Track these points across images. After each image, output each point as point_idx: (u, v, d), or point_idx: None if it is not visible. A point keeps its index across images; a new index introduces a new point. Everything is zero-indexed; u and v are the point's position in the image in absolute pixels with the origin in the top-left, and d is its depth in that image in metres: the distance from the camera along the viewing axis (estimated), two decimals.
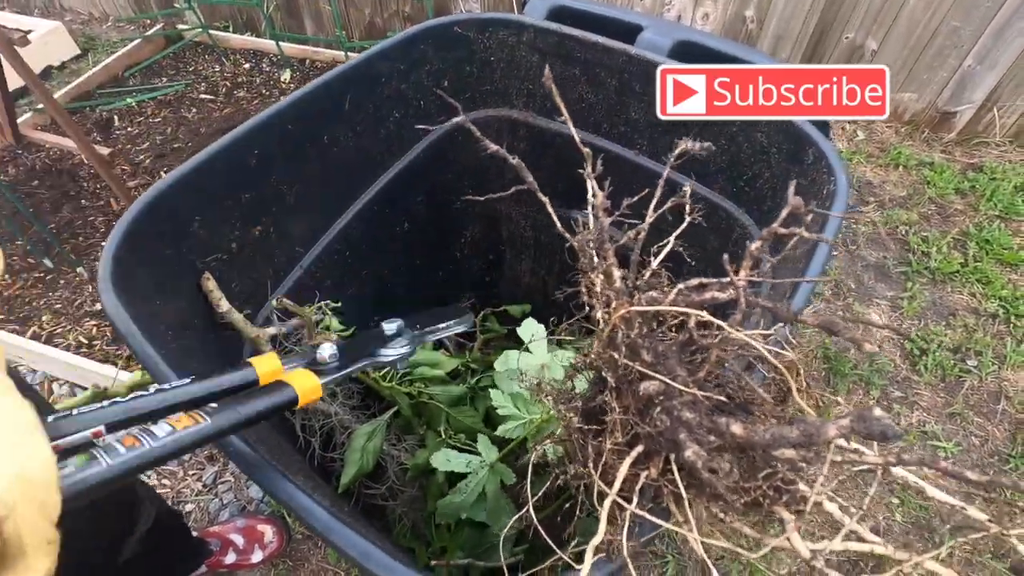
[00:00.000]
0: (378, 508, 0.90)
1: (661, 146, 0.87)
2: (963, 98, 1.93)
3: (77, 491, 0.35)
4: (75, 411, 0.43)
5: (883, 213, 1.81)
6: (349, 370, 0.59)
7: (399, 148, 0.93)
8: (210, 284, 0.70)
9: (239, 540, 1.16)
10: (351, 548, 0.40)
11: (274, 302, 0.80)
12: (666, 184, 0.74)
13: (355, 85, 0.81)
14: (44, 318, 1.53)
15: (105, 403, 0.45)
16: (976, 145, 2.00)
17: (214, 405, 0.46)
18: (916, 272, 1.65)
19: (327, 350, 0.59)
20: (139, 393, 0.46)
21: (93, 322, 1.52)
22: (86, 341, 1.48)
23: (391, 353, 0.64)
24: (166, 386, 0.48)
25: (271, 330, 0.75)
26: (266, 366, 0.54)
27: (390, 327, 0.66)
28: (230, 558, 1.14)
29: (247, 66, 2.40)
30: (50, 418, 0.42)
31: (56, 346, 1.44)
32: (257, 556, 1.16)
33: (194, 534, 1.12)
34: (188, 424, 0.43)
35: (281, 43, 2.33)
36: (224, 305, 0.70)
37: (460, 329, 0.70)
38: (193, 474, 1.33)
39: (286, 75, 2.34)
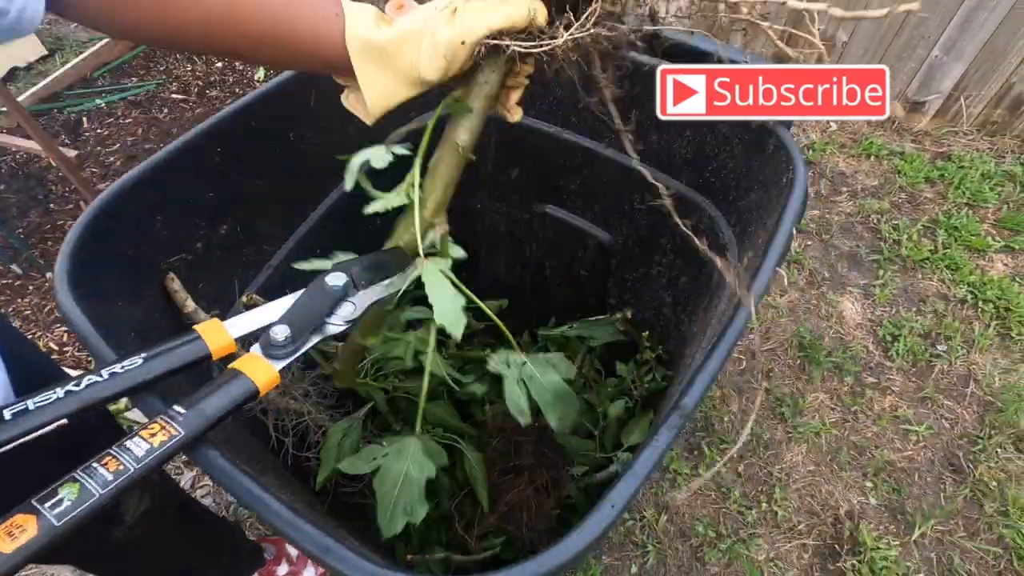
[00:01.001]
0: (357, 507, 0.90)
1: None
2: (931, 88, 1.97)
3: (79, 521, 0.37)
4: (31, 404, 0.43)
5: (855, 202, 1.84)
6: (303, 350, 0.57)
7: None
8: (174, 284, 0.69)
9: (293, 552, 1.14)
10: (309, 543, 0.40)
11: (244, 299, 0.79)
12: (633, 174, 0.75)
13: (321, 80, 0.80)
14: (13, 324, 1.49)
15: (59, 392, 0.44)
16: (945, 134, 2.04)
17: (180, 410, 0.46)
18: (887, 260, 1.68)
19: (280, 332, 0.56)
20: (92, 379, 0.46)
21: (63, 328, 1.49)
22: (56, 347, 1.45)
23: (340, 324, 0.60)
24: (117, 368, 0.47)
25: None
26: (216, 338, 0.52)
27: (335, 282, 0.61)
28: (282, 570, 1.12)
29: (219, 65, 2.36)
30: (7, 413, 0.42)
31: None
32: (309, 573, 1.14)
33: (251, 538, 1.11)
34: (164, 438, 0.44)
35: None
36: (190, 306, 0.69)
37: (407, 284, 0.64)
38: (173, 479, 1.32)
39: (260, 74, 2.31)
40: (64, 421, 0.43)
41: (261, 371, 0.52)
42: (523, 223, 1.11)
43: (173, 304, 0.70)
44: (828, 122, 2.12)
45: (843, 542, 1.22)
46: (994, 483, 1.27)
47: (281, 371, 0.55)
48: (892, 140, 2.05)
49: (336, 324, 0.60)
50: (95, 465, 0.40)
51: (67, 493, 0.38)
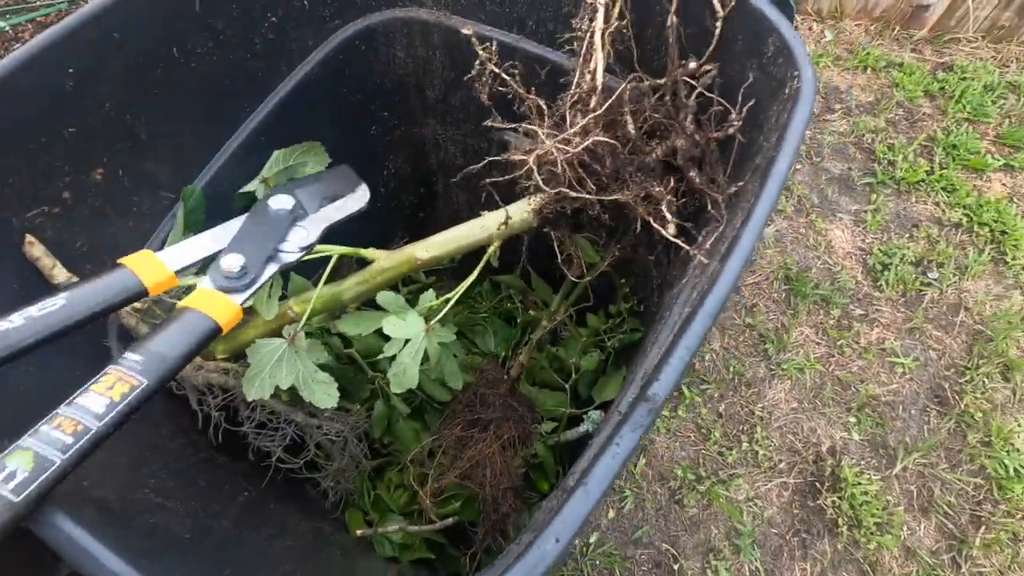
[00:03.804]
0: (300, 481, 0.81)
1: None
2: None
3: (40, 493, 0.33)
4: None
5: (849, 121, 1.70)
6: (261, 282, 0.51)
7: (286, 63, 0.76)
8: (35, 250, 0.55)
9: None
10: None
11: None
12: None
13: None
14: None
15: None
16: (947, 42, 1.87)
17: (135, 357, 0.40)
18: (881, 183, 1.57)
19: (234, 262, 0.49)
20: (2, 327, 0.39)
21: None
22: None
23: (295, 251, 0.55)
24: (34, 311, 0.40)
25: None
26: (149, 271, 0.46)
27: (279, 204, 0.55)
28: None
29: None
30: None
31: None
32: None
33: None
34: (124, 390, 0.38)
35: None
36: (60, 275, 0.56)
37: (359, 206, 0.60)
38: None
39: None
40: None
41: (218, 306, 0.46)
42: (481, 152, 0.97)
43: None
44: (823, 31, 1.94)
45: (824, 479, 1.19)
46: (979, 414, 1.24)
47: (242, 306, 0.49)
48: (891, 50, 1.88)
49: (290, 252, 0.55)
50: (47, 429, 0.35)
51: (19, 464, 0.33)
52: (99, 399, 0.37)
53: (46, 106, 0.54)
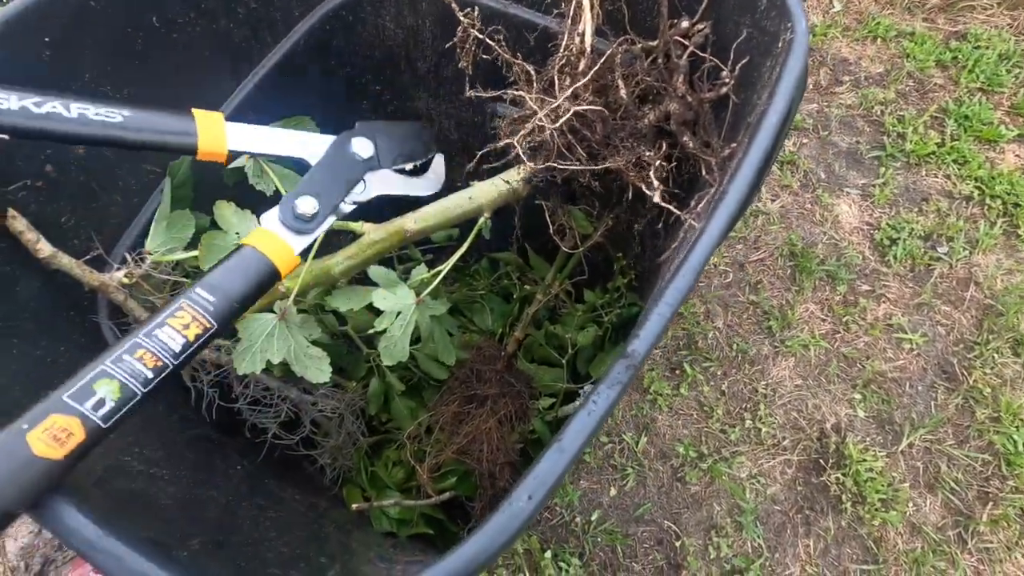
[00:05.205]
0: (297, 459, 0.81)
1: None
2: None
3: (119, 423, 0.35)
4: None
5: (858, 93, 1.66)
6: (321, 230, 0.52)
7: (270, 34, 0.75)
8: (18, 224, 0.55)
9: None
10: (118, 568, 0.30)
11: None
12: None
13: None
14: None
15: (12, 102, 0.40)
16: (961, 10, 1.81)
17: (207, 296, 0.41)
18: (890, 156, 1.53)
19: (308, 205, 0.50)
20: (55, 109, 0.41)
21: None
22: None
23: (350, 203, 0.55)
24: (89, 111, 0.42)
25: (120, 274, 0.62)
26: (210, 135, 0.46)
27: (359, 149, 0.54)
28: None
29: None
30: None
31: None
32: None
33: None
34: (198, 331, 0.39)
35: None
36: (45, 249, 0.56)
37: (427, 192, 0.59)
38: None
39: None
40: (5, 137, 0.41)
41: (279, 250, 0.46)
42: (476, 127, 0.95)
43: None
44: (831, 1, 1.88)
45: (828, 456, 1.18)
46: (988, 389, 1.22)
47: (299, 254, 0.50)
48: (902, 19, 1.82)
49: (346, 204, 0.54)
50: (130, 360, 0.36)
51: (107, 392, 0.35)
52: (176, 336, 0.38)
53: (22, 76, 0.53)
